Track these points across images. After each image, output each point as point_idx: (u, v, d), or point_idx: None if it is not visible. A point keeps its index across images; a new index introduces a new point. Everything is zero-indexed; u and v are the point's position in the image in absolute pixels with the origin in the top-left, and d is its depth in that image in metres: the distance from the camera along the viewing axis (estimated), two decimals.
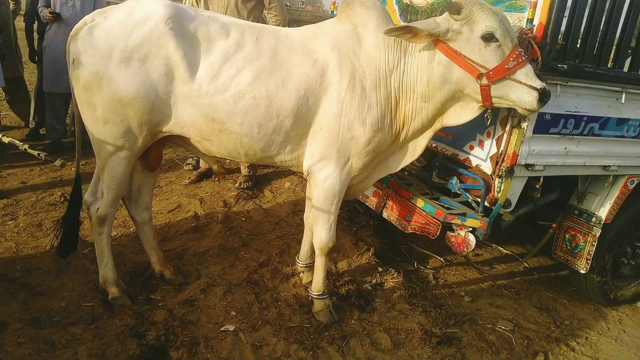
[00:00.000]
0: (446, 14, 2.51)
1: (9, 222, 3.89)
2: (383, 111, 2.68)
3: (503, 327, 3.33)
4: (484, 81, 2.44)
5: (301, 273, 3.45)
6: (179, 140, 2.83)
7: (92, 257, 3.44)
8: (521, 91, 2.40)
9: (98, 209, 2.86)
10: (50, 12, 5.10)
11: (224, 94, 2.54)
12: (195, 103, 2.56)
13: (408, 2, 3.60)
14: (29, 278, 3.20)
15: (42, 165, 5.01)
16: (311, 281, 3.19)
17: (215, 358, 2.70)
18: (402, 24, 2.54)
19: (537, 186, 3.09)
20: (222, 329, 2.91)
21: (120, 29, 2.51)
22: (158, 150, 2.96)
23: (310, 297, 3.14)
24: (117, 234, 3.86)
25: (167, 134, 2.72)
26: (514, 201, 2.98)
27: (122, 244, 3.72)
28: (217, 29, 2.59)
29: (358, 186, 3.06)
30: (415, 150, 2.93)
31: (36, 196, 4.38)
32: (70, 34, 2.58)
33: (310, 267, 3.35)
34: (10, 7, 5.96)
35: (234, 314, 3.06)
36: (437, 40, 2.52)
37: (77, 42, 2.55)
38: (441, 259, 4.10)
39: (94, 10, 5.02)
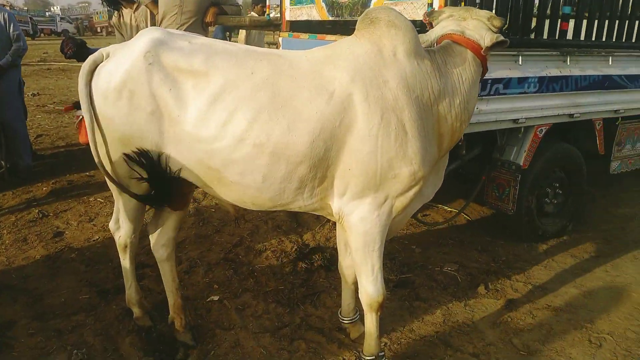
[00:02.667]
0: (476, 21, 2.47)
1: None
2: (429, 141, 2.35)
3: (449, 269, 3.88)
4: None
5: (347, 329, 3.06)
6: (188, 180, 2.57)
7: (81, 260, 3.84)
8: None
9: (120, 237, 2.84)
10: None
11: (218, 141, 2.24)
12: (189, 147, 2.31)
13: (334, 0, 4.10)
14: (25, 284, 3.53)
15: (14, 189, 5.28)
16: (360, 336, 2.86)
17: (206, 323, 3.12)
18: (502, 38, 2.40)
19: (459, 143, 3.64)
20: (208, 299, 3.34)
21: (113, 68, 2.38)
22: (181, 190, 2.69)
23: None
24: (100, 237, 4.21)
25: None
26: None
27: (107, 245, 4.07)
28: (202, 62, 2.29)
29: (396, 225, 2.69)
30: (442, 168, 2.73)
31: (14, 216, 4.66)
32: (83, 74, 2.44)
33: (355, 322, 3.01)
34: None
35: (217, 287, 3.49)
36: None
37: (92, 83, 2.44)
38: None
39: (8, 38, 5.27)
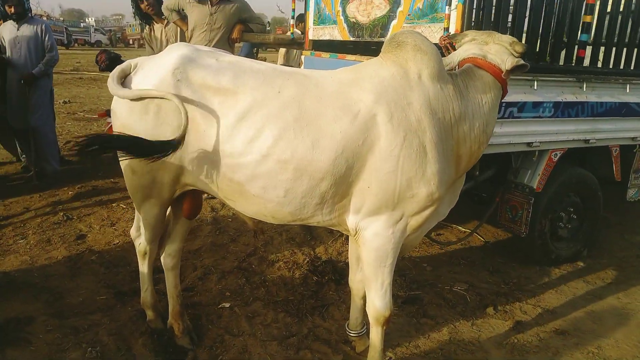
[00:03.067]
0: (498, 46, 2.54)
1: (20, 241, 4.35)
2: (447, 162, 2.41)
3: (459, 288, 3.91)
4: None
5: (353, 342, 3.12)
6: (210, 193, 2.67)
7: (101, 262, 3.98)
8: None
9: (140, 244, 2.95)
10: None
11: (244, 156, 2.31)
12: (213, 161, 2.38)
13: (354, 20, 4.22)
14: (47, 282, 3.67)
15: (41, 192, 5.49)
16: (365, 350, 2.85)
17: (216, 328, 3.21)
18: (523, 62, 2.48)
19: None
20: (220, 306, 3.44)
21: (141, 81, 2.47)
22: (194, 200, 2.82)
23: None
24: (120, 242, 4.36)
25: (192, 187, 2.61)
26: None
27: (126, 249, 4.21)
28: (229, 80, 2.36)
29: (411, 243, 2.75)
30: (458, 188, 2.76)
31: (40, 218, 4.85)
32: (112, 80, 2.51)
33: (362, 335, 3.06)
34: None
35: (229, 294, 3.59)
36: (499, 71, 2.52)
37: (111, 92, 2.52)
38: None
39: (42, 48, 5.55)
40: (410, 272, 4.10)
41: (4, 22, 5.78)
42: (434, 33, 3.35)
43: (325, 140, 2.27)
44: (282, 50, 7.96)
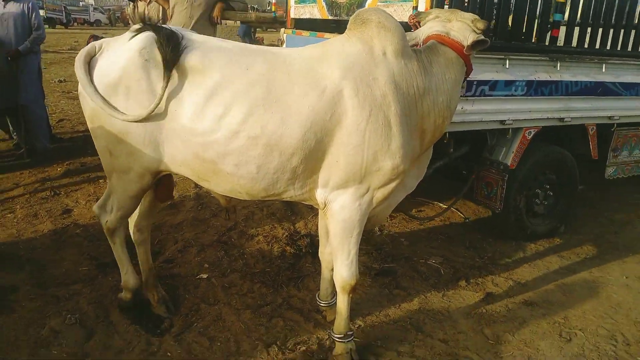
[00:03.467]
0: (460, 23, 2.61)
1: (8, 215, 4.45)
2: (412, 136, 2.49)
3: (434, 261, 4.01)
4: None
5: (324, 312, 3.23)
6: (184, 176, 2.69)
7: (85, 235, 4.08)
8: None
9: (107, 221, 2.88)
10: None
11: (213, 133, 2.34)
12: (185, 140, 2.41)
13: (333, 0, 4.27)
14: (32, 254, 3.78)
15: (31, 168, 5.58)
16: (335, 319, 2.89)
17: (193, 297, 3.33)
18: (482, 37, 2.53)
19: (445, 141, 3.77)
20: (197, 277, 3.55)
21: (107, 64, 2.47)
22: (167, 183, 2.92)
23: (331, 340, 2.88)
24: None
25: (167, 171, 2.65)
26: None
27: None
28: (198, 59, 2.38)
29: (379, 215, 2.83)
30: (425, 162, 2.87)
31: (29, 194, 4.94)
32: (79, 64, 2.50)
33: (332, 305, 3.13)
34: None
35: (207, 266, 3.70)
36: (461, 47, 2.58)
37: (77, 75, 2.52)
38: None
39: (29, 26, 5.57)
40: (387, 247, 4.20)
41: None
42: (405, 12, 3.40)
43: (294, 115, 2.32)
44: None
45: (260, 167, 2.39)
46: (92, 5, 43.78)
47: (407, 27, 2.89)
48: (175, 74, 2.38)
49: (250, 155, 2.36)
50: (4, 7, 5.59)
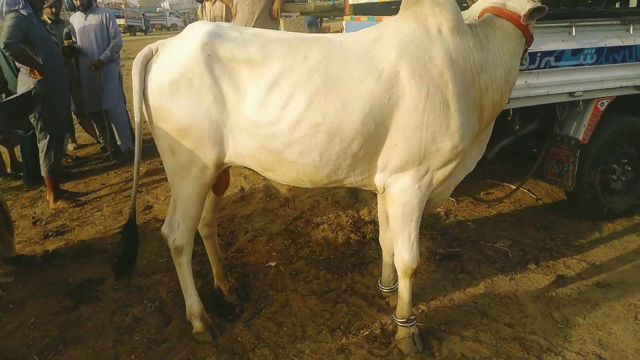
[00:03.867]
0: None
1: (96, 213, 4.87)
2: (470, 114, 2.46)
3: (501, 245, 3.91)
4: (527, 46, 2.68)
5: (387, 298, 3.27)
6: (248, 168, 2.70)
7: None
8: None
9: (175, 239, 2.82)
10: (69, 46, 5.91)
11: (277, 124, 2.36)
12: (250, 133, 2.43)
13: None
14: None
15: (117, 169, 6.04)
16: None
17: (262, 285, 3.49)
18: (539, 4, 2.46)
19: (509, 118, 3.65)
20: (266, 265, 3.71)
21: (167, 61, 2.49)
22: (225, 176, 2.97)
23: (394, 323, 2.93)
24: None
25: (231, 164, 2.66)
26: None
27: None
28: (257, 51, 2.40)
29: (439, 196, 2.80)
30: (484, 140, 2.81)
31: (114, 193, 5.36)
32: (136, 69, 2.52)
33: (395, 291, 3.15)
34: None
35: (275, 254, 3.85)
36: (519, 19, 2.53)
37: (145, 77, 2.53)
38: (452, 199, 4.69)
39: (108, 35, 5.97)
40: (452, 231, 4.15)
41: (73, 12, 6.29)
42: None
43: (354, 100, 2.33)
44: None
45: (323, 154, 2.41)
46: (168, 10, 45.97)
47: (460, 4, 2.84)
48: (236, 66, 2.42)
49: (313, 143, 2.38)
50: (85, 19, 6.04)
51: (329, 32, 18.61)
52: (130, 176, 5.79)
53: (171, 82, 2.46)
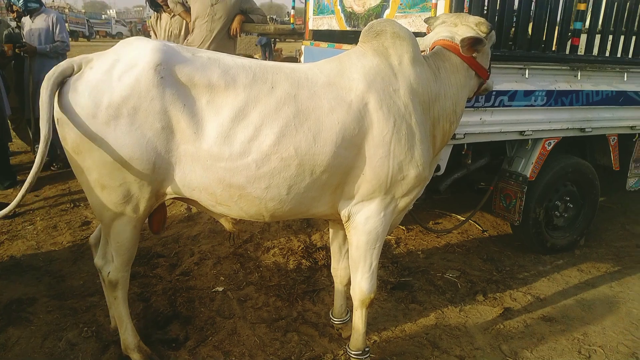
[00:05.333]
0: (465, 27, 2.61)
1: (29, 227, 4.52)
2: (429, 142, 2.52)
3: (450, 275, 3.95)
4: (483, 80, 2.77)
5: (339, 330, 3.17)
6: (191, 202, 2.49)
7: None
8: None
9: (109, 273, 2.62)
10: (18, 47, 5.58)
11: (243, 158, 2.22)
12: (207, 166, 2.24)
13: (350, 10, 4.26)
14: (50, 266, 3.83)
15: (51, 181, 5.68)
16: (351, 335, 2.85)
17: (208, 311, 3.32)
18: (476, 36, 2.51)
19: (463, 152, 3.73)
20: (213, 290, 3.55)
21: (104, 82, 2.17)
22: (162, 212, 2.63)
23: (347, 356, 2.85)
24: None
25: (173, 196, 2.43)
26: (443, 166, 3.62)
27: None
28: (219, 77, 2.23)
29: (395, 222, 2.75)
30: (433, 167, 2.82)
31: (48, 205, 5.02)
32: (48, 84, 2.15)
33: (346, 322, 3.13)
34: None
35: (223, 279, 3.70)
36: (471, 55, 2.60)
37: (61, 100, 2.19)
38: (402, 227, 4.72)
39: (53, 39, 5.73)
40: (403, 260, 4.15)
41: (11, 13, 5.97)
42: (422, 22, 3.37)
43: (325, 132, 2.28)
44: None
45: (291, 188, 2.33)
46: (114, 18, 44.78)
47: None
48: (194, 91, 2.21)
49: (282, 177, 2.28)
50: (32, 22, 5.73)
51: (281, 54, 18.74)
52: (67, 190, 5.46)
53: (108, 107, 2.15)
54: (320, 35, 4.98)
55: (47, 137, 2.15)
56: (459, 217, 5.13)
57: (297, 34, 5.35)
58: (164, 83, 2.17)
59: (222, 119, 2.21)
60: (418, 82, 2.43)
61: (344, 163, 2.35)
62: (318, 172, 2.32)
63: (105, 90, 2.16)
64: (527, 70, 3.66)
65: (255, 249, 4.13)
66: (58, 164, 6.11)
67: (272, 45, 18.34)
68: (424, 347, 3.08)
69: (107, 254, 2.67)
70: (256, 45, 19.63)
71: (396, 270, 3.95)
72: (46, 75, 2.18)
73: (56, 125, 2.28)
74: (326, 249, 4.16)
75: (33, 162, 5.84)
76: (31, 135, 6.49)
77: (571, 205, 4.40)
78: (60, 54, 5.88)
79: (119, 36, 38.97)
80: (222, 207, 2.42)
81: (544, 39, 3.80)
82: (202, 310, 3.33)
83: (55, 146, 6.01)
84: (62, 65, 2.22)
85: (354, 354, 2.76)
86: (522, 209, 4.03)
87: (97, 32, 38.96)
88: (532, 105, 3.75)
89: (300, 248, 4.15)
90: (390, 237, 4.52)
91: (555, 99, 3.84)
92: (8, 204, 4.67)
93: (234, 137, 2.21)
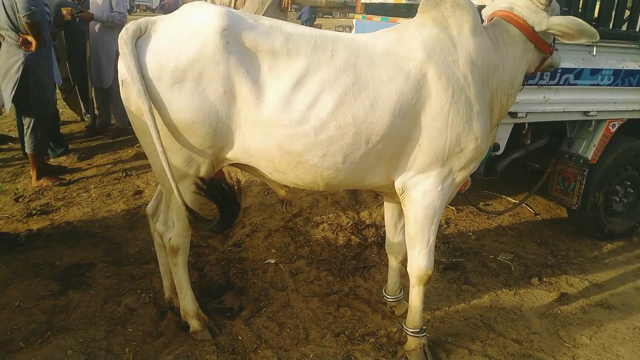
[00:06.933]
0: (530, 2, 2.52)
1: (83, 194, 4.64)
2: (487, 115, 2.46)
3: (504, 258, 3.87)
4: (546, 55, 2.67)
5: (392, 307, 3.15)
6: (247, 168, 2.50)
7: None
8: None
9: (171, 239, 2.65)
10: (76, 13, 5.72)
11: (302, 125, 2.20)
12: (266, 132, 2.22)
13: None
14: (106, 233, 3.92)
15: (102, 151, 5.80)
16: (405, 312, 2.83)
17: (261, 282, 3.35)
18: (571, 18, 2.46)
19: (524, 132, 3.61)
20: (266, 262, 3.58)
21: (170, 45, 2.19)
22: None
23: (404, 333, 2.81)
24: None
25: (232, 162, 2.43)
26: (502, 145, 3.51)
27: None
28: (282, 44, 2.21)
29: (449, 198, 2.69)
30: (489, 141, 2.77)
31: (101, 174, 5.13)
32: (127, 45, 2.17)
33: (400, 300, 3.11)
34: None
35: (274, 251, 3.72)
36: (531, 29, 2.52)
37: (125, 62, 2.18)
38: (452, 208, 4.64)
39: (111, 7, 5.85)
40: (454, 240, 4.09)
41: None
42: None
43: (383, 101, 2.26)
44: None
45: (347, 157, 2.30)
46: None
47: None
48: (257, 58, 2.20)
49: (339, 145, 2.26)
50: None
51: (321, 29, 18.54)
52: (118, 159, 5.57)
53: (174, 70, 2.16)
54: (372, 9, 4.86)
55: (143, 92, 2.15)
56: (509, 198, 5.01)
57: (348, 7, 5.24)
58: (229, 48, 2.17)
59: (283, 86, 2.20)
60: (477, 53, 2.37)
61: (400, 133, 2.31)
62: (374, 141, 2.29)
63: (171, 53, 2.18)
64: (594, 48, 3.49)
65: (304, 224, 4.13)
66: (110, 132, 6.28)
67: (313, 19, 18.18)
68: (479, 329, 3.04)
69: (168, 220, 2.69)
70: (297, 19, 19.52)
71: (447, 250, 3.89)
72: (119, 39, 2.20)
73: (120, 87, 2.32)
74: (375, 226, 4.13)
75: (83, 131, 6.07)
76: (82, 105, 6.68)
77: (631, 191, 4.23)
78: (117, 24, 5.96)
79: (161, 10, 39.23)
80: (279, 174, 2.42)
81: (613, 16, 3.61)
82: (255, 282, 3.36)
83: (109, 116, 6.22)
84: (131, 27, 2.23)
85: (412, 332, 2.73)
86: (582, 192, 3.89)
87: (137, 5, 39.27)
88: (598, 85, 3.59)
89: (349, 224, 4.13)
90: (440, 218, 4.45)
91: (623, 78, 3.66)
92: (66, 167, 4.86)
93: (294, 103, 2.20)
